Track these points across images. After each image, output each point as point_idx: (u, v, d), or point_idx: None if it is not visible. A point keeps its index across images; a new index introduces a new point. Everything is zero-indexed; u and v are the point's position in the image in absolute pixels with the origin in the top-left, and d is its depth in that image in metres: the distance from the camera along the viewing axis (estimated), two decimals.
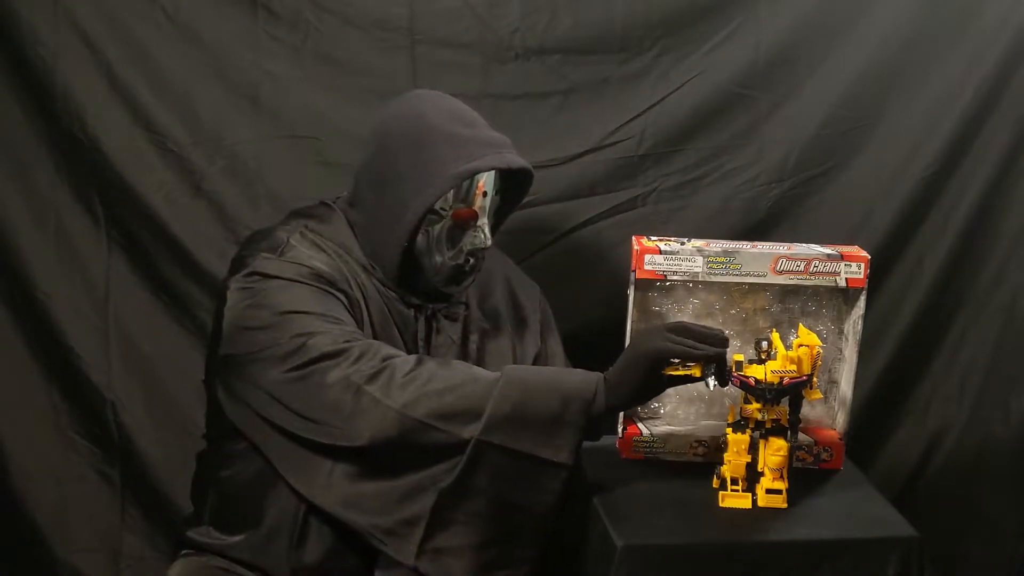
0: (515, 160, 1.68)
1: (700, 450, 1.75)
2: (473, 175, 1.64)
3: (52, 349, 2.07)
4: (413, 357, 1.56)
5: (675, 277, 1.71)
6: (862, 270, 1.71)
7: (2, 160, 2.00)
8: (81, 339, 2.06)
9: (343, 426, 1.52)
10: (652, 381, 1.53)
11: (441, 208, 1.65)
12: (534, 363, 1.84)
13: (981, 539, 2.29)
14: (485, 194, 1.68)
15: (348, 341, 1.55)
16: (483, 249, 1.71)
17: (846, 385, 1.77)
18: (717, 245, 1.73)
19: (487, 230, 1.70)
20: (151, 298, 2.08)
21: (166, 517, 2.09)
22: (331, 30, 2.02)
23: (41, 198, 2.03)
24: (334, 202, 1.75)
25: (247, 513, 1.65)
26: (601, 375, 1.54)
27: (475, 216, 1.68)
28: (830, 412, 1.82)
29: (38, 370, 2.08)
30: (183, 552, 1.74)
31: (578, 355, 1.94)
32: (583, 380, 1.54)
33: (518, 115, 2.08)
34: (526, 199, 1.81)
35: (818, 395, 1.65)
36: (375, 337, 1.65)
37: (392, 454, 1.53)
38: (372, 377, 1.51)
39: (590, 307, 2.11)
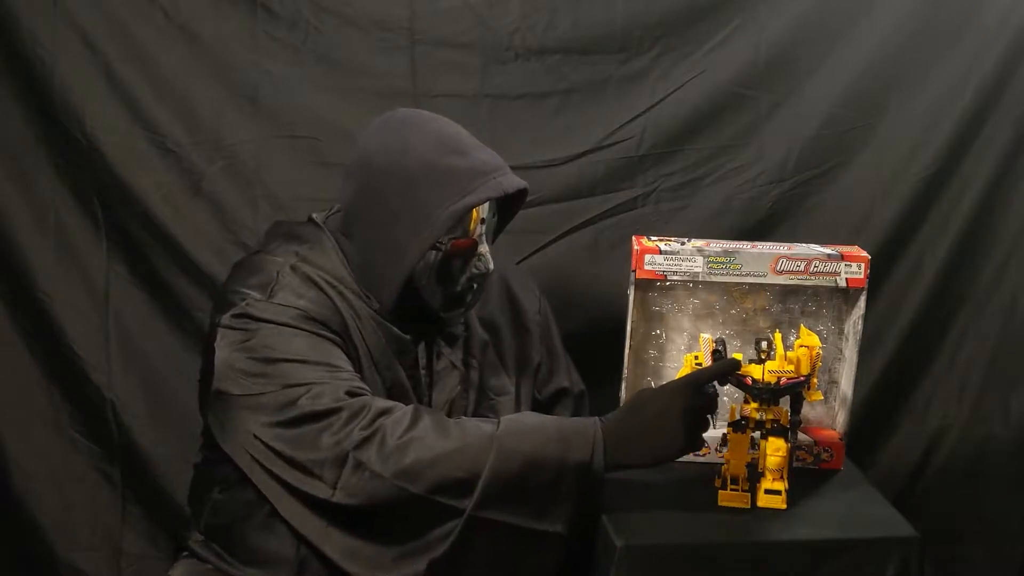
0: (510, 184, 1.61)
1: (702, 450, 1.75)
2: (469, 210, 1.58)
3: (52, 349, 2.07)
4: (407, 414, 1.50)
5: (675, 277, 1.70)
6: (862, 270, 1.71)
7: (2, 160, 2.01)
8: (81, 339, 2.06)
9: (335, 488, 1.49)
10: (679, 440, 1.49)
11: (439, 243, 1.59)
12: (536, 371, 1.83)
13: (981, 539, 2.29)
14: (483, 220, 1.62)
15: (339, 399, 1.50)
16: (485, 274, 1.66)
17: (846, 385, 1.77)
18: (717, 245, 1.72)
19: (488, 255, 1.64)
20: (151, 298, 2.08)
21: (167, 516, 2.10)
22: (330, 30, 2.02)
23: (41, 198, 2.03)
24: (324, 221, 1.69)
25: (243, 538, 1.61)
26: (600, 433, 1.49)
27: (475, 245, 1.62)
28: (830, 412, 1.82)
29: (38, 370, 2.09)
30: (184, 554, 1.72)
31: (578, 355, 1.95)
32: (581, 442, 1.48)
33: (518, 115, 2.08)
34: (527, 199, 1.81)
35: (818, 396, 1.65)
36: (375, 368, 1.62)
37: (386, 516, 1.51)
38: (363, 442, 1.47)
39: (590, 307, 2.11)
